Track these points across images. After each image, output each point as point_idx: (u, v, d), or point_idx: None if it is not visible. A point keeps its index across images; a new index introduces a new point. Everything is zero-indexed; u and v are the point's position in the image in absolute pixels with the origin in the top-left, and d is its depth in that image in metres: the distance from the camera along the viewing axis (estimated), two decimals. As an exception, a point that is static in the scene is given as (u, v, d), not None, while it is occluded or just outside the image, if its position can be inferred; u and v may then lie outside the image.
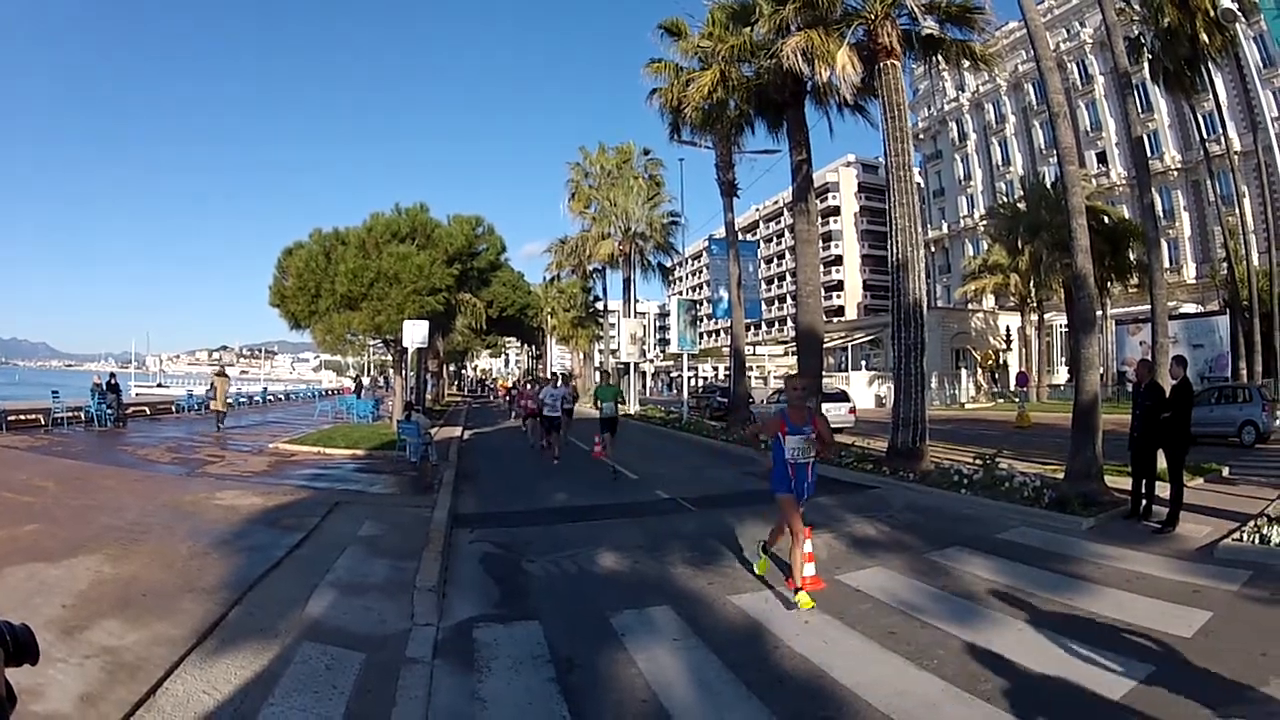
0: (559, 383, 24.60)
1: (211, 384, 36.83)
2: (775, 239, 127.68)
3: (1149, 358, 17.61)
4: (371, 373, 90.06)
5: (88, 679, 6.23)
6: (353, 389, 54.63)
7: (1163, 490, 13.14)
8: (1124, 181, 66.92)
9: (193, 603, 8.35)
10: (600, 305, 69.73)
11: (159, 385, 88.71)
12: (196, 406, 44.85)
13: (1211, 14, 30.99)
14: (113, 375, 36.20)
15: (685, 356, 47.07)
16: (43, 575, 9.09)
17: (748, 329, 50.91)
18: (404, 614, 8.36)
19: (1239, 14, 15.29)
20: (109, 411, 32.71)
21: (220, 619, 7.92)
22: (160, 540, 11.30)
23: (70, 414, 32.40)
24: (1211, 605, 8.37)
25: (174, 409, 43.98)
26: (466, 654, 7.35)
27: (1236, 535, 11.24)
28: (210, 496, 15.27)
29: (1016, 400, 43.85)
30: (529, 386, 31.41)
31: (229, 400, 37.83)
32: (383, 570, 10.19)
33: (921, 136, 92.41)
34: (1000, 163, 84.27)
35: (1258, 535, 10.84)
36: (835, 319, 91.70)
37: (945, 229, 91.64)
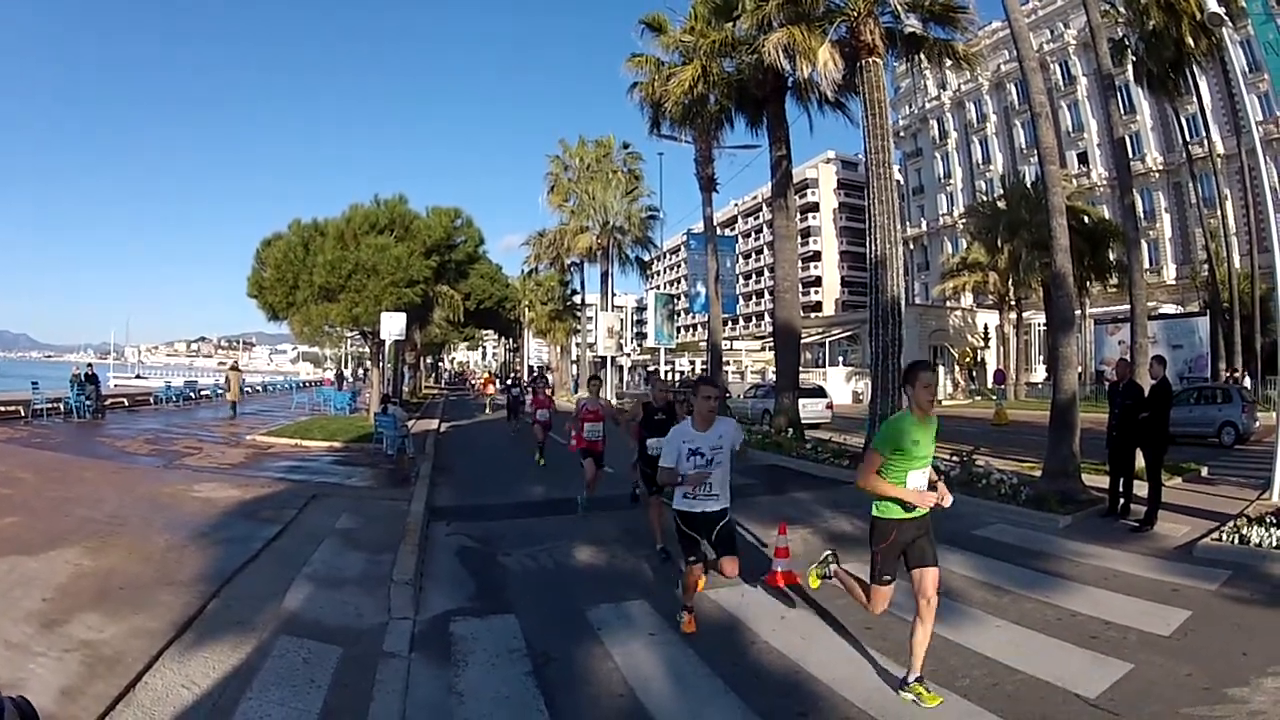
0: (690, 398, 8.41)
1: (226, 377, 42.47)
2: (754, 234, 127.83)
3: (1128, 357, 17.70)
4: (350, 365, 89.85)
5: (68, 673, 6.24)
6: (333, 380, 54.79)
7: (1140, 489, 13.20)
8: (1105, 182, 67.12)
9: (170, 596, 8.35)
10: (578, 298, 69.72)
11: (137, 376, 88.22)
12: (174, 398, 45.07)
13: (1198, 18, 31.11)
14: (90, 366, 36.21)
15: (662, 351, 47.17)
16: (23, 568, 9.08)
17: (725, 324, 51.00)
18: (381, 607, 8.38)
19: (1226, 18, 15.27)
20: (88, 403, 32.65)
21: (198, 612, 7.92)
22: (138, 533, 11.29)
23: (50, 405, 32.26)
24: (1190, 604, 8.41)
25: (152, 400, 43.81)
26: (443, 647, 7.36)
27: (1215, 535, 11.27)
28: (188, 489, 15.26)
29: (994, 398, 44.00)
30: (547, 389, 25.83)
31: (243, 391, 42.58)
32: (359, 563, 10.22)
33: (902, 134, 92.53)
34: (980, 161, 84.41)
35: (1237, 535, 10.88)
36: (813, 315, 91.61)
37: (924, 226, 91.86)
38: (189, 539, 10.95)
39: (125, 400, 41.96)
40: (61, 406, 32.84)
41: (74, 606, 7.82)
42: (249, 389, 61.03)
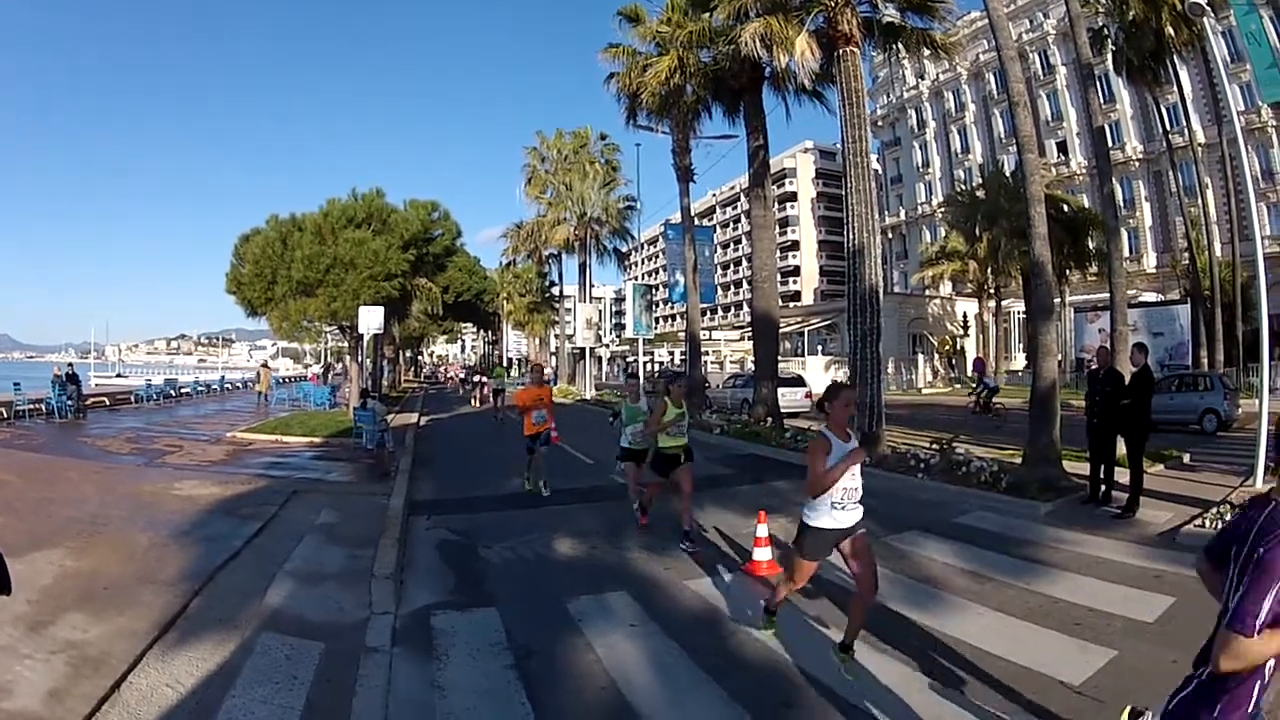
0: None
1: (258, 374, 50.95)
2: (732, 224, 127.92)
3: (1108, 345, 17.80)
4: (328, 360, 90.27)
5: (54, 674, 6.26)
6: (319, 375, 55.74)
7: (1122, 476, 13.25)
8: (1084, 171, 67.41)
9: (153, 595, 8.36)
10: (556, 290, 69.72)
11: (118, 375, 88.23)
12: (155, 396, 45.29)
13: (1178, 8, 31.28)
14: (71, 366, 36.14)
15: (641, 341, 47.12)
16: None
17: (703, 314, 51.04)
18: (362, 602, 8.41)
19: (1207, 8, 15.35)
20: (69, 403, 32.60)
21: (181, 611, 7.93)
22: (120, 532, 11.29)
23: (31, 406, 32.22)
24: (1174, 590, 8.43)
25: (133, 399, 43.83)
26: (425, 642, 7.40)
27: (1199, 521, 11.30)
28: (169, 487, 15.25)
29: (973, 386, 44.15)
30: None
31: (271, 384, 48.05)
32: (340, 558, 10.25)
33: (880, 123, 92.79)
34: (959, 150, 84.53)
35: (1220, 521, 10.86)
36: (792, 304, 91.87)
37: (903, 215, 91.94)
38: (171, 537, 10.95)
39: (106, 399, 41.98)
40: (43, 407, 32.69)
41: (59, 608, 7.83)
42: (230, 385, 61.55)
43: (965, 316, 63.47)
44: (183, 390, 52.17)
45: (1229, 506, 11.52)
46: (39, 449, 22.03)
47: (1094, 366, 15.00)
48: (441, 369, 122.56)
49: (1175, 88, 42.97)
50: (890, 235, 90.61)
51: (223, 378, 66.66)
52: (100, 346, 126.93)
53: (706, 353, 60.33)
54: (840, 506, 6.59)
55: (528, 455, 15.14)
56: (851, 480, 6.56)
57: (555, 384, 46.80)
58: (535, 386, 15.45)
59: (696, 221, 43.99)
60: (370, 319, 28.82)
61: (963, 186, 71.72)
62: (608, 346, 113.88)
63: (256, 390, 46.86)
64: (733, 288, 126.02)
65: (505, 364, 40.04)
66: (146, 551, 10.23)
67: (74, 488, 15.17)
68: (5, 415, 30.71)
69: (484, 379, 42.98)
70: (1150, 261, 65.11)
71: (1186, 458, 18.03)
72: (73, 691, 5.97)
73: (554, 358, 67.68)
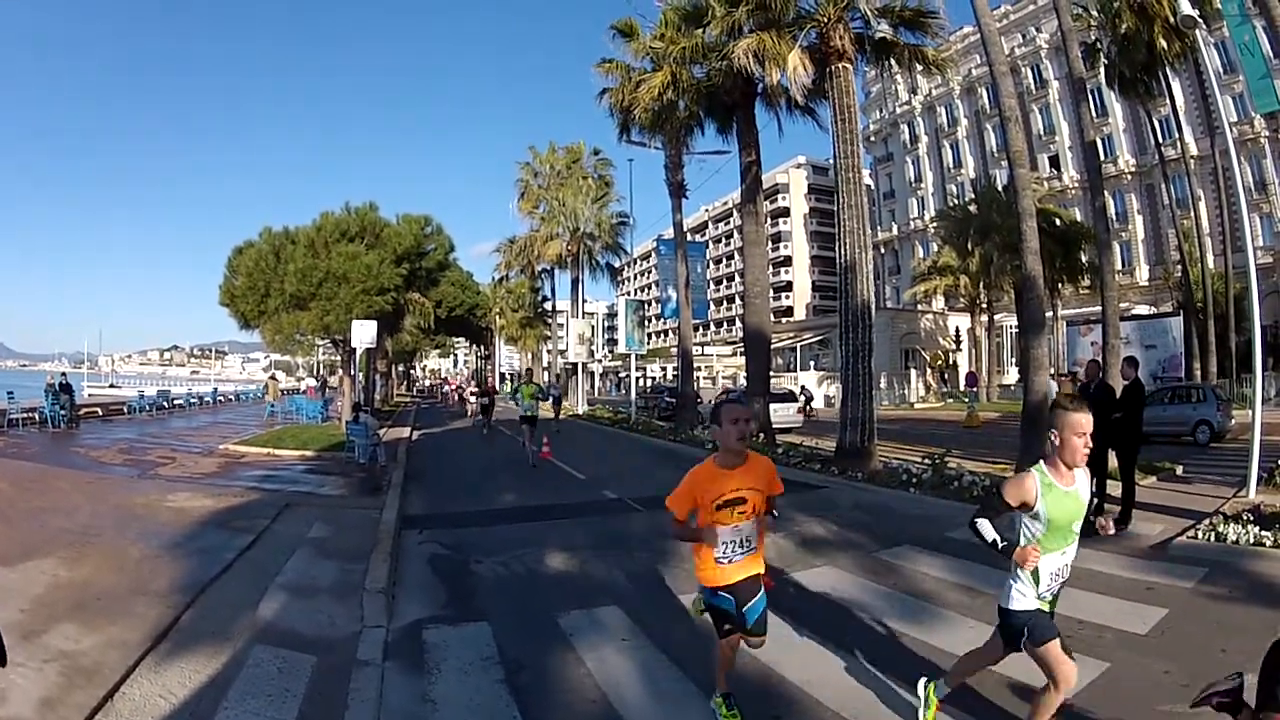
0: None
1: (266, 385, 54.91)
2: (724, 239, 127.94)
3: (1099, 358, 17.86)
4: (321, 372, 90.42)
5: (47, 683, 6.26)
6: (316, 389, 55.93)
7: (1114, 489, 13.25)
8: (1076, 184, 67.81)
9: (146, 606, 8.34)
10: (549, 305, 69.92)
11: (111, 386, 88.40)
12: (148, 408, 45.35)
13: (1171, 21, 31.49)
14: (64, 375, 36.16)
15: (633, 357, 47.13)
16: (1, 579, 9.09)
17: (695, 329, 51.04)
18: (354, 616, 8.39)
19: (1199, 20, 15.42)
20: (62, 412, 32.78)
21: (173, 622, 7.92)
22: (113, 543, 11.27)
23: (25, 415, 32.38)
24: (1167, 602, 8.44)
25: (126, 410, 43.86)
26: (416, 656, 7.40)
27: (1192, 533, 11.33)
28: (161, 498, 15.19)
29: (966, 400, 44.14)
30: None
31: (280, 393, 50.40)
32: (332, 572, 10.22)
33: (873, 139, 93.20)
34: (951, 165, 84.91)
35: (1213, 533, 10.95)
36: (784, 319, 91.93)
37: (895, 230, 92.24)
38: (163, 549, 10.94)
39: (99, 410, 42.01)
40: (36, 416, 32.83)
41: (51, 617, 7.83)
42: (223, 397, 61.73)
43: (957, 331, 63.59)
44: (175, 402, 52.09)
45: (1222, 518, 11.49)
46: (32, 458, 22.01)
47: (1082, 380, 15.04)
48: (435, 383, 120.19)
49: (1167, 100, 43.35)
50: (883, 250, 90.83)
51: (215, 390, 66.50)
52: (93, 356, 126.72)
53: (698, 368, 60.46)
54: None
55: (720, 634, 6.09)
56: None
57: (548, 400, 46.32)
58: (740, 463, 5.48)
59: (689, 237, 44.16)
60: (363, 333, 28.82)
61: (955, 201, 72.20)
62: (600, 362, 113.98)
63: (267, 400, 47.72)
64: (725, 303, 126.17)
65: (525, 377, 38.36)
66: (139, 562, 10.23)
67: (66, 497, 15.15)
68: (-1, 424, 30.58)
69: (489, 393, 42.29)
70: (1143, 274, 65.43)
71: (1179, 469, 18.04)
72: (66, 701, 5.98)
73: (546, 373, 67.54)
